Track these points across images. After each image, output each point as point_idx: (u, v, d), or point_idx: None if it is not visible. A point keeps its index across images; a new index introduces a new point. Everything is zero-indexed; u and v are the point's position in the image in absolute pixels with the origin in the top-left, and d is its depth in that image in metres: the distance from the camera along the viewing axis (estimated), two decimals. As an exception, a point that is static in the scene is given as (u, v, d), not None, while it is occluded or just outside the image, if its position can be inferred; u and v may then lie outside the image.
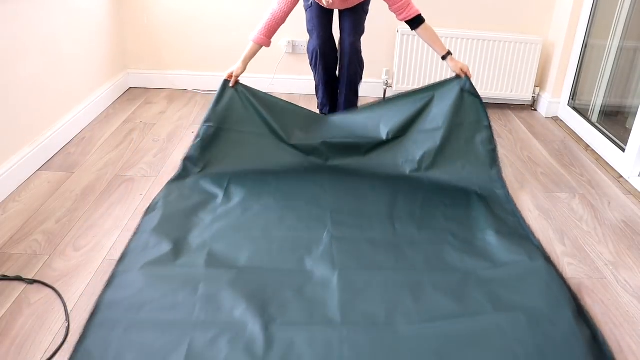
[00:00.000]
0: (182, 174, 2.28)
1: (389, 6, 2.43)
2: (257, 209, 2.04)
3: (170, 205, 2.04)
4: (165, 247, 1.79)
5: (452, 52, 2.62)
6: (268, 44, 2.45)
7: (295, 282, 1.66)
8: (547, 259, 1.82)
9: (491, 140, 2.41)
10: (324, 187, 2.22)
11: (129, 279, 1.64)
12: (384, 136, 2.44)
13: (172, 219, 1.95)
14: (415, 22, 2.44)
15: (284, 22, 2.44)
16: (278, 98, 2.54)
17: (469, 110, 2.41)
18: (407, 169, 2.38)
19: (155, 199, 2.11)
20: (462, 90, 2.41)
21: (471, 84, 2.42)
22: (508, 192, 2.28)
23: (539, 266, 1.76)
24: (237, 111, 2.41)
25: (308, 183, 2.25)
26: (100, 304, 1.54)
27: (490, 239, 1.91)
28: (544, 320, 1.52)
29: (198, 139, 2.35)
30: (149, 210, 2.03)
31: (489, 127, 2.41)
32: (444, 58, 2.47)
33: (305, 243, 1.85)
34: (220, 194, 2.13)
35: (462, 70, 2.43)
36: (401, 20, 2.46)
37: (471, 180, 2.31)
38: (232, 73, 2.43)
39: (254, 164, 2.34)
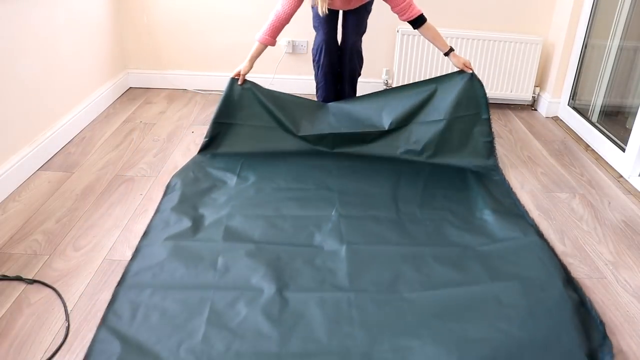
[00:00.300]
0: (197, 160, 2.42)
1: (391, 7, 2.46)
2: (269, 190, 2.19)
3: (187, 186, 2.19)
4: (185, 223, 1.93)
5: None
6: (273, 44, 2.51)
7: (306, 254, 1.80)
8: (540, 235, 1.96)
9: (489, 132, 2.49)
10: (331, 171, 2.36)
11: (153, 251, 1.78)
12: (386, 126, 2.54)
13: (190, 198, 2.10)
14: (418, 22, 2.48)
15: (287, 23, 2.49)
16: (284, 93, 2.64)
17: (470, 103, 2.48)
18: (408, 158, 2.50)
19: (172, 180, 2.24)
20: (470, 79, 2.48)
21: (477, 77, 2.51)
22: (504, 177, 2.42)
23: (533, 241, 1.90)
24: (246, 107, 2.53)
25: (316, 167, 2.40)
26: (127, 273, 1.68)
27: (488, 217, 2.05)
28: (536, 288, 1.65)
29: (209, 136, 2.51)
30: (168, 191, 2.17)
31: (488, 119, 2.50)
32: (446, 54, 2.53)
33: (315, 221, 1.99)
34: (233, 177, 2.28)
35: (465, 65, 2.49)
36: (403, 20, 2.50)
37: (470, 168, 2.45)
38: (239, 72, 2.51)
39: (264, 150, 2.50)
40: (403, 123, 2.54)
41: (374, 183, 2.28)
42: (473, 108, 2.48)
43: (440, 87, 2.53)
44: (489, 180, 2.36)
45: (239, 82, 2.52)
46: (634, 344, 1.53)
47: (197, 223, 1.94)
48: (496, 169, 2.45)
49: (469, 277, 1.71)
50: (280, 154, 2.47)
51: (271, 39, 2.48)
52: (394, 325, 1.51)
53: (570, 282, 1.74)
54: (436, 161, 2.48)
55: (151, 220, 1.96)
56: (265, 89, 2.58)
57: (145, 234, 1.88)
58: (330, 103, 2.69)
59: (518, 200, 2.22)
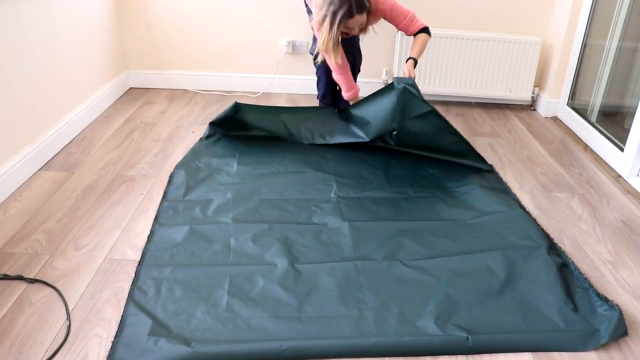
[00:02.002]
0: (197, 149, 2.55)
1: (396, 26, 2.48)
2: (268, 174, 2.35)
3: (191, 176, 2.30)
4: (194, 209, 2.05)
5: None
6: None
7: (312, 231, 1.95)
8: (523, 208, 2.17)
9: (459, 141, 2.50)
10: (326, 157, 2.53)
11: (168, 234, 1.90)
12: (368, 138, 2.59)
13: (195, 186, 2.22)
14: (423, 31, 2.50)
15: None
16: (276, 108, 2.77)
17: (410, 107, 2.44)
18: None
19: (175, 171, 2.34)
20: (405, 88, 2.36)
21: (414, 82, 2.39)
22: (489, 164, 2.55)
23: (517, 214, 2.10)
24: (243, 123, 2.66)
25: (310, 153, 2.56)
26: (145, 254, 1.78)
27: (475, 192, 2.24)
28: (522, 256, 1.83)
29: (206, 134, 2.68)
30: (172, 180, 2.27)
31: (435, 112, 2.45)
32: (408, 60, 2.48)
33: (315, 202, 2.14)
34: (234, 163, 2.42)
35: (410, 72, 2.43)
36: (410, 35, 2.50)
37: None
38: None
39: (261, 137, 2.65)
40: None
41: (367, 166, 2.46)
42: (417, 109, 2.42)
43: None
44: (472, 161, 2.51)
45: None
46: (633, 343, 1.53)
47: (206, 208, 2.06)
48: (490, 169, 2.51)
49: (461, 247, 1.89)
50: (275, 141, 2.64)
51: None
52: (399, 290, 1.67)
53: (553, 247, 1.91)
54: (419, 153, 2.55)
55: (159, 207, 2.06)
56: (261, 110, 2.71)
57: (156, 218, 1.99)
58: (324, 111, 2.79)
59: (500, 178, 2.41)
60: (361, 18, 2.32)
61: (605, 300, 1.64)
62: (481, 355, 1.47)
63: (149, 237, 1.87)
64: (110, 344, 1.43)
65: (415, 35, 2.50)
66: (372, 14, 2.40)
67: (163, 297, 1.60)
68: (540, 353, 1.49)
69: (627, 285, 1.79)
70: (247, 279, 1.69)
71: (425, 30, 2.49)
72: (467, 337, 1.49)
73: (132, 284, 1.64)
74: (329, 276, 1.71)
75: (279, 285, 1.66)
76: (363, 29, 2.45)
